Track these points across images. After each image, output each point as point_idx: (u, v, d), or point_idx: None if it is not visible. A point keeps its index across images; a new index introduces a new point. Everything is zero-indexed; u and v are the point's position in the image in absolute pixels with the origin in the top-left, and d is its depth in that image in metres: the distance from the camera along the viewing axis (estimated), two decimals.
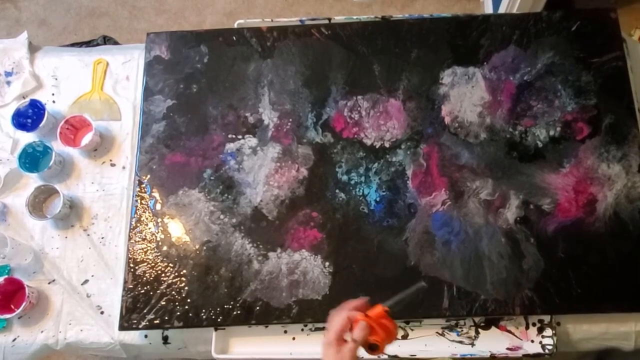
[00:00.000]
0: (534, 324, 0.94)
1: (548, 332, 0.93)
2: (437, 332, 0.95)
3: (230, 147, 1.06)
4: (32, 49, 1.21)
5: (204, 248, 0.98)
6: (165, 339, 0.99)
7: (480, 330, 0.95)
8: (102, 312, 1.00)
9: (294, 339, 0.96)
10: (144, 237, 1.00)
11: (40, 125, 1.08)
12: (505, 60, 1.07)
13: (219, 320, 0.94)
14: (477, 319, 0.95)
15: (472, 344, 0.94)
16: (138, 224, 1.01)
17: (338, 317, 0.69)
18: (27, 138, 1.11)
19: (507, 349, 0.92)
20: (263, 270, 0.97)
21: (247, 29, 1.13)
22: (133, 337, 0.98)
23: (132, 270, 0.98)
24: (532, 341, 0.93)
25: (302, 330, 0.97)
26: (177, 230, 1.01)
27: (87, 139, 1.09)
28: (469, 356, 0.92)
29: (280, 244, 0.98)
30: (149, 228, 1.01)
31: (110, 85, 1.16)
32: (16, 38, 1.21)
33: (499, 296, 0.92)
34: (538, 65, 1.06)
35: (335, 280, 0.95)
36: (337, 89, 1.07)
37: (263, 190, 1.02)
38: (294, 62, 1.10)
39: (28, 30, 1.26)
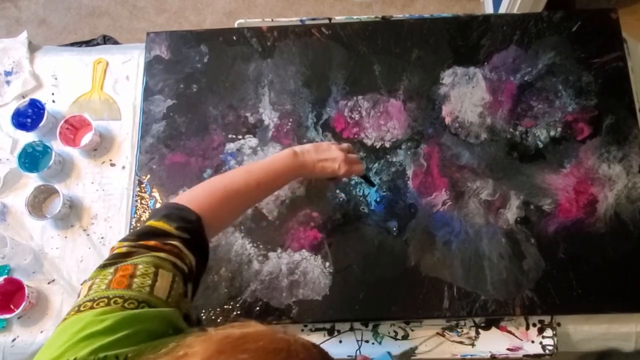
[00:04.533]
0: (534, 325, 0.94)
1: (548, 332, 0.93)
2: (437, 333, 0.95)
3: (231, 147, 1.05)
4: (32, 48, 1.21)
5: None
6: None
7: (480, 330, 0.95)
8: None
9: None
10: None
11: (40, 125, 1.08)
12: (506, 60, 1.07)
13: (218, 320, 0.94)
14: (477, 320, 0.95)
15: (473, 345, 0.93)
16: (138, 224, 1.01)
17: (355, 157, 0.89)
18: (26, 138, 1.11)
19: (508, 349, 0.92)
20: (263, 270, 0.96)
21: (247, 29, 1.13)
22: None
23: None
24: (533, 342, 0.93)
25: (302, 330, 0.96)
26: None
27: (87, 138, 1.09)
28: (469, 357, 0.92)
29: (280, 244, 0.98)
30: None
31: (110, 85, 1.15)
32: (16, 37, 1.21)
33: (499, 297, 0.92)
34: (539, 66, 1.06)
35: (336, 280, 0.95)
36: (338, 89, 1.07)
37: None
38: (294, 62, 1.10)
39: (28, 29, 1.25)
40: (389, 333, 0.95)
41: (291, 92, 1.08)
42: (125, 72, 1.16)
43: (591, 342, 0.95)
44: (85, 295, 0.51)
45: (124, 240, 0.58)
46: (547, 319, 0.93)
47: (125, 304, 0.49)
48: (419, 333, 0.95)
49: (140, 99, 1.12)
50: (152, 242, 0.58)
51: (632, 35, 1.11)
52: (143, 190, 1.04)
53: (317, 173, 0.83)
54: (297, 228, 0.99)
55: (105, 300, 0.49)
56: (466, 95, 1.05)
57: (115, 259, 0.55)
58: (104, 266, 0.54)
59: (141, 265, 0.54)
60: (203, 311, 0.94)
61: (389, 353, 0.73)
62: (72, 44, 1.53)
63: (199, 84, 1.10)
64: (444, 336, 0.94)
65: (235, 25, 1.17)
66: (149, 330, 0.47)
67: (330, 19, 1.14)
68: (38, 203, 1.07)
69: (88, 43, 1.55)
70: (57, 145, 1.08)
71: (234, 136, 1.06)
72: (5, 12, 2.14)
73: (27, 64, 1.18)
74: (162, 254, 0.57)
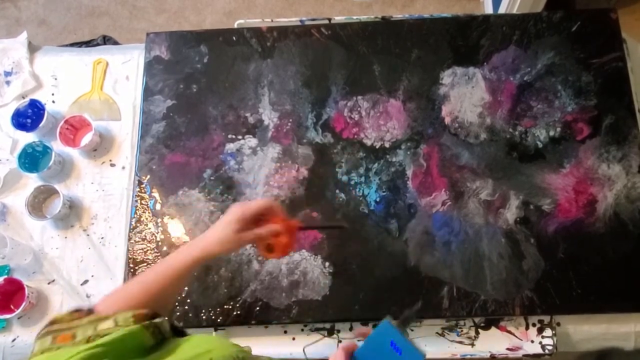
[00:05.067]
0: (534, 324, 0.94)
1: (548, 332, 0.93)
2: (437, 332, 0.95)
3: (230, 147, 1.05)
4: (32, 48, 1.21)
5: None
6: None
7: (480, 330, 0.95)
8: None
9: (293, 339, 0.96)
10: (144, 237, 1.00)
11: (40, 125, 1.08)
12: (506, 60, 1.07)
13: (218, 320, 0.94)
14: (477, 319, 0.95)
15: (472, 344, 0.94)
16: (138, 224, 1.01)
17: (262, 201, 0.72)
18: (26, 138, 1.11)
19: (507, 349, 0.92)
20: (263, 270, 0.96)
21: (247, 29, 1.13)
22: None
23: (132, 270, 0.98)
24: (532, 341, 0.93)
25: (302, 330, 0.96)
26: (177, 230, 1.00)
27: (86, 139, 1.09)
28: (469, 356, 0.92)
29: None
30: (149, 228, 1.01)
31: (110, 85, 1.15)
32: (16, 38, 1.21)
33: (499, 296, 0.92)
34: (538, 66, 1.06)
35: (335, 280, 0.95)
36: (337, 89, 1.07)
37: (263, 191, 1.02)
38: (294, 62, 1.10)
39: (28, 29, 1.25)
40: None
41: (291, 92, 1.08)
42: (125, 72, 1.16)
43: (591, 342, 0.95)
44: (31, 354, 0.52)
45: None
46: (546, 318, 0.93)
47: (75, 340, 0.51)
48: (419, 333, 0.95)
49: (140, 99, 1.12)
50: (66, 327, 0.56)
51: (631, 35, 1.11)
52: (143, 191, 1.04)
53: (220, 234, 0.69)
54: None
55: (55, 347, 0.50)
56: (466, 96, 1.05)
57: (49, 333, 0.54)
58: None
59: (79, 331, 0.54)
60: (203, 311, 0.94)
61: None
62: (72, 44, 1.53)
63: (198, 84, 1.10)
64: (443, 336, 0.94)
65: (235, 26, 1.17)
66: (112, 346, 0.48)
67: (330, 19, 1.14)
68: (38, 203, 1.07)
69: (88, 43, 1.54)
70: (57, 146, 1.08)
71: (233, 136, 1.06)
72: (5, 12, 2.14)
73: (27, 64, 1.18)
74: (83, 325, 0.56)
